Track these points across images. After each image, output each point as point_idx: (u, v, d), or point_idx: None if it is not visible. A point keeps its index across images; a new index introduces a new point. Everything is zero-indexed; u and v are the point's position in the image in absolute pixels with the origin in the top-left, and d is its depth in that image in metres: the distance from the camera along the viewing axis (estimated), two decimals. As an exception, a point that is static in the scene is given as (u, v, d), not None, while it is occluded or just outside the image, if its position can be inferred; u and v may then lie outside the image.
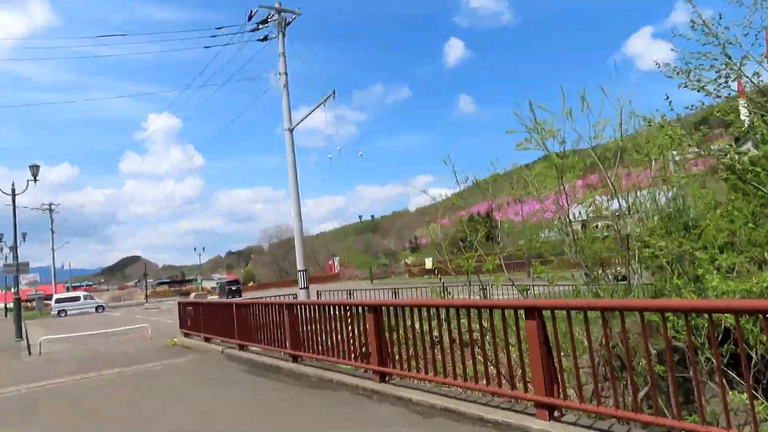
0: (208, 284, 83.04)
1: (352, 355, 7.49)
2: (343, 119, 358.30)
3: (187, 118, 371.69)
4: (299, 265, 17.48)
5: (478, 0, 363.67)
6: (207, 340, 13.01)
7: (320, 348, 8.19)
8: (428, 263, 55.00)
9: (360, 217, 53.42)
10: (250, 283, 74.46)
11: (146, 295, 65.68)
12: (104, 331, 18.95)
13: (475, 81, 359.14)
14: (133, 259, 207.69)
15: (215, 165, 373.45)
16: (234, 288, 50.00)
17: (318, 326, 8.24)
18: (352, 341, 7.48)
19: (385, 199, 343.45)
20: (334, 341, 7.77)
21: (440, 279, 20.15)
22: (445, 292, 18.87)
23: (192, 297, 15.17)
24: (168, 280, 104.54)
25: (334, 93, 15.75)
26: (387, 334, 6.80)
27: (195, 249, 76.17)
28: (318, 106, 16.55)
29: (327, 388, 7.30)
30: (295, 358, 8.96)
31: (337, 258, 68.78)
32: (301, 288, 17.24)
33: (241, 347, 11.01)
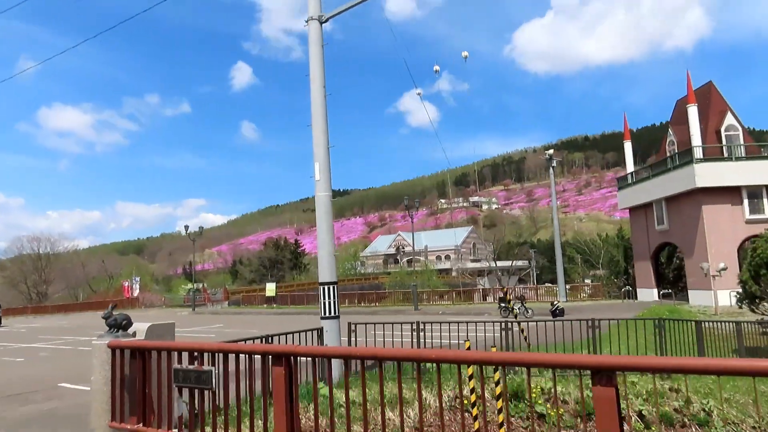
0: None
1: None
2: (112, 126, 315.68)
3: None
4: (325, 275, 9.11)
5: (270, 30, 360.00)
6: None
7: None
8: (270, 290, 46.18)
9: (186, 227, 39.77)
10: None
11: None
12: None
13: (259, 108, 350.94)
14: None
15: None
16: (-10, 314, 33.39)
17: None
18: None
19: (151, 218, 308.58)
20: None
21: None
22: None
23: (140, 333, 5.47)
24: None
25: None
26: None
27: None
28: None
29: None
30: None
31: (138, 279, 53.82)
32: (327, 317, 8.91)
33: None
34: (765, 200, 27.57)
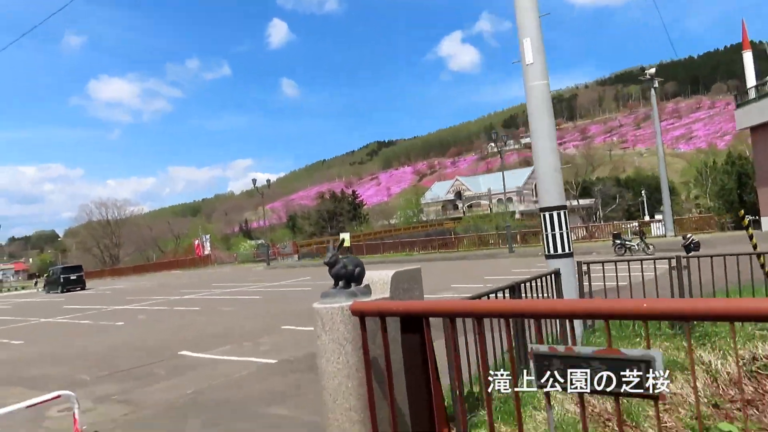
0: None
1: None
2: (156, 94, 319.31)
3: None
4: (551, 197, 6.50)
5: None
6: None
7: None
8: (346, 240, 44.57)
9: (254, 180, 36.97)
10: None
11: None
12: None
13: (298, 65, 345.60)
14: None
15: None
16: (74, 278, 32.45)
17: None
18: None
19: (203, 181, 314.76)
20: None
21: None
22: None
23: (375, 286, 3.39)
24: None
25: None
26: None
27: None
28: None
29: None
30: None
31: (208, 237, 53.36)
32: (557, 255, 6.36)
33: None
34: None
